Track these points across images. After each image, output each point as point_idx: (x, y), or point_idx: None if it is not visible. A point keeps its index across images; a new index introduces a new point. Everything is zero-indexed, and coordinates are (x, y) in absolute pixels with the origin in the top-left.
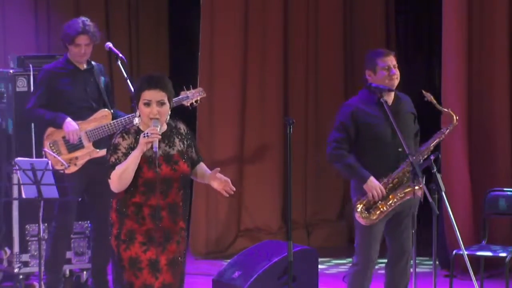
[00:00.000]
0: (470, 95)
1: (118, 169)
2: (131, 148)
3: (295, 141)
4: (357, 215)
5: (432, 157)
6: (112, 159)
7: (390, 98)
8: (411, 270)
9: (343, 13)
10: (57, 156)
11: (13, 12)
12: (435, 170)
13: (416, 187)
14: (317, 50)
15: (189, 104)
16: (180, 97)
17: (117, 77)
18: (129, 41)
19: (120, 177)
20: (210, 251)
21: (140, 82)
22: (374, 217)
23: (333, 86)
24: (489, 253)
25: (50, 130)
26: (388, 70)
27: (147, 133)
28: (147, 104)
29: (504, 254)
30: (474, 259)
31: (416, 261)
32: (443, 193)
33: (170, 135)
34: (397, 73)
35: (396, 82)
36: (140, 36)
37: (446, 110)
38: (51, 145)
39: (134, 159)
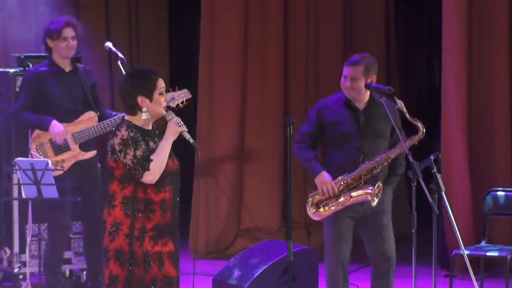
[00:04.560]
0: (470, 95)
1: (158, 160)
2: (144, 140)
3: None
4: (307, 209)
5: (432, 157)
6: (139, 152)
7: (363, 101)
8: (412, 270)
9: (343, 13)
10: (43, 159)
11: (13, 12)
12: (435, 170)
13: (369, 190)
14: (317, 50)
15: (174, 106)
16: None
17: (117, 77)
18: (129, 41)
19: (161, 167)
20: (210, 251)
21: (144, 73)
22: (323, 212)
23: (333, 86)
24: (489, 253)
25: (36, 132)
26: (344, 79)
27: (180, 122)
28: (162, 93)
29: (504, 254)
30: (474, 259)
31: (416, 261)
32: (443, 193)
33: (160, 132)
34: (349, 85)
35: (348, 92)
36: (140, 36)
37: (414, 121)
38: (38, 147)
39: (168, 147)
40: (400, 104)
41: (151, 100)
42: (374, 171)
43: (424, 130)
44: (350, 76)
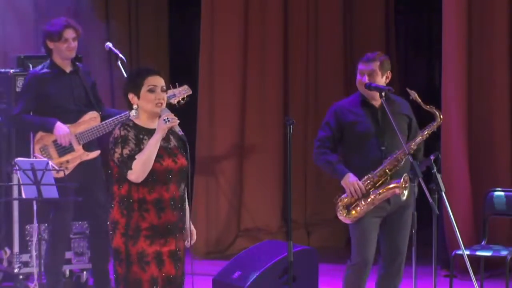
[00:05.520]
0: (470, 95)
1: (141, 158)
2: (138, 138)
3: (295, 141)
4: (337, 213)
5: (432, 157)
6: (126, 151)
7: (379, 98)
8: (412, 270)
9: (343, 13)
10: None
11: (13, 12)
12: (435, 170)
13: (396, 184)
14: (317, 50)
15: (176, 102)
16: (167, 95)
17: (117, 77)
18: (129, 41)
19: (144, 165)
20: (210, 251)
21: (137, 71)
22: (355, 214)
23: (333, 86)
24: (489, 253)
25: (40, 134)
26: (361, 75)
27: (168, 118)
28: (152, 90)
29: (504, 254)
30: (474, 259)
31: (416, 261)
32: (443, 193)
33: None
34: (368, 80)
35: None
36: (140, 36)
37: (430, 108)
38: (42, 149)
39: (155, 145)
40: (414, 94)
41: (138, 97)
42: (398, 165)
43: (442, 116)
44: (368, 72)
